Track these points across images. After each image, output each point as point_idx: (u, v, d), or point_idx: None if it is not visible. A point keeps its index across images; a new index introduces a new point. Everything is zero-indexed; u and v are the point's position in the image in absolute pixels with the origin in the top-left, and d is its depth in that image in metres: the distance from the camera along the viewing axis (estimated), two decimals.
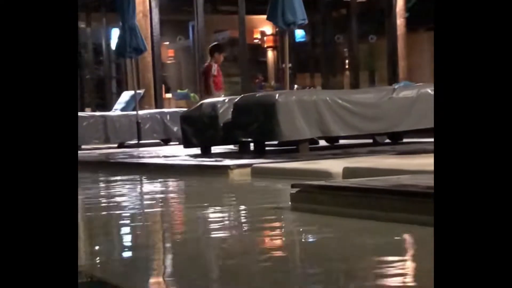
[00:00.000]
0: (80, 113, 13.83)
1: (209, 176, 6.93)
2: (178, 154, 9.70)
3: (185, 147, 9.56)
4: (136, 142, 13.15)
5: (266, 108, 8.22)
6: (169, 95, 17.25)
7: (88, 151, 12.65)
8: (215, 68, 11.12)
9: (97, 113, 13.91)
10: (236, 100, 8.75)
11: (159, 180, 7.06)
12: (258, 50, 21.63)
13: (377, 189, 3.73)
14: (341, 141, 9.98)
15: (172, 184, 7.00)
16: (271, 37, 21.38)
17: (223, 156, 8.57)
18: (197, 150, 9.51)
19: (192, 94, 18.61)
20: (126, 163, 8.73)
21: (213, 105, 9.01)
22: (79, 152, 12.31)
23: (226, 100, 9.08)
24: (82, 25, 19.13)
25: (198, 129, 9.23)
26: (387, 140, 9.40)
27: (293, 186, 4.34)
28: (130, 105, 14.31)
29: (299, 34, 21.79)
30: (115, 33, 18.65)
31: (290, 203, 4.29)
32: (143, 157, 9.54)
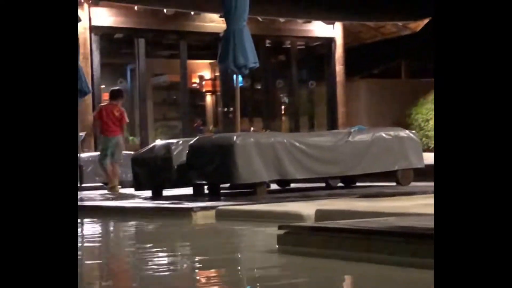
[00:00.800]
0: None
1: (170, 219, 6.70)
2: (128, 196, 9.42)
3: (136, 189, 9.30)
4: (78, 185, 12.74)
5: (224, 150, 8.06)
6: None
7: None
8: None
9: None
10: (191, 141, 8.56)
11: (117, 222, 6.80)
12: (197, 94, 21.48)
13: (378, 231, 3.60)
14: (292, 185, 9.87)
15: (132, 227, 6.74)
16: (209, 82, 21.28)
17: (177, 199, 8.34)
18: (147, 193, 9.25)
19: (131, 138, 18.31)
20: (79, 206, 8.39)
21: (167, 147, 8.80)
22: None
23: (180, 142, 8.88)
24: None
25: (150, 171, 9.00)
26: (340, 184, 9.34)
27: (280, 227, 4.17)
28: None
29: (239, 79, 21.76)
30: None
31: (277, 245, 4.12)
32: (92, 199, 9.21)
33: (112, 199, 9.31)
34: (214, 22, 16.79)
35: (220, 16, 16.48)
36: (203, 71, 21.38)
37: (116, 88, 12.50)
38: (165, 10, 15.54)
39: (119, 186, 11.66)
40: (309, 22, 17.14)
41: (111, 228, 6.90)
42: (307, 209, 5.76)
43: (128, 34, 16.51)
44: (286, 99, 18.83)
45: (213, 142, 8.40)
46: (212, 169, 8.24)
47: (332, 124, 17.68)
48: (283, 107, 19.13)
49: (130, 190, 10.42)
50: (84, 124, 15.47)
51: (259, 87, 19.50)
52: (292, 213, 5.75)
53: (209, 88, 21.42)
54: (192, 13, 16.10)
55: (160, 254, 4.69)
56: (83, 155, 13.04)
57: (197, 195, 8.71)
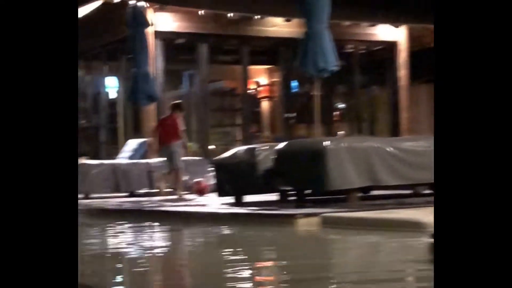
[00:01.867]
0: (89, 161, 13.21)
1: (268, 226, 6.40)
2: (208, 203, 9.16)
3: (219, 195, 9.01)
4: (147, 191, 12.53)
5: (314, 155, 7.73)
6: None
7: (101, 199, 12.02)
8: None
9: (106, 161, 13.28)
10: (279, 146, 8.25)
11: (215, 231, 6.51)
12: (253, 100, 21.19)
13: None
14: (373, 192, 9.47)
15: (232, 234, 6.45)
16: (266, 88, 21.00)
17: (262, 205, 8.06)
18: (223, 200, 8.98)
19: (190, 143, 18.10)
20: (170, 212, 8.16)
21: (252, 152, 8.50)
22: (90, 201, 11.66)
23: (265, 147, 8.58)
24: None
25: (233, 177, 8.70)
26: (428, 191, 8.95)
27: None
28: (137, 153, 13.73)
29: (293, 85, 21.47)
30: (109, 81, 18.14)
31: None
32: (178, 205, 8.97)
33: (184, 204, 9.10)
34: (276, 27, 16.50)
35: (286, 20, 16.23)
36: (259, 77, 21.09)
37: (178, 101, 12.54)
38: (229, 14, 15.29)
39: (183, 192, 11.55)
40: (373, 25, 16.75)
41: (214, 237, 6.60)
42: (424, 216, 5.41)
43: (190, 40, 16.29)
44: (343, 105, 18.44)
45: (303, 146, 8.09)
46: (300, 175, 7.92)
47: (395, 130, 17.27)
48: (343, 112, 18.75)
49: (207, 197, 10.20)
50: (144, 131, 15.28)
51: (318, 93, 19.16)
52: (412, 221, 5.41)
53: (266, 94, 21.15)
54: (256, 17, 15.80)
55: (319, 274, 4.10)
56: (152, 160, 12.83)
57: (283, 202, 8.39)
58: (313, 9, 9.64)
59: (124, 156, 13.84)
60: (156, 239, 6.47)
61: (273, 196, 8.95)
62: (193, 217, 7.62)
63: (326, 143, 7.74)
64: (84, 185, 12.38)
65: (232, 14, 15.29)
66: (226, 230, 6.63)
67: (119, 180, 12.69)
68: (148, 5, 14.33)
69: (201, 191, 12.10)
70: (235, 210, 7.52)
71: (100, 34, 16.54)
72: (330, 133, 17.29)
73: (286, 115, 16.59)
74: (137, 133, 16.89)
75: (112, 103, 18.31)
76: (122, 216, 8.68)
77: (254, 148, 8.61)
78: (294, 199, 8.40)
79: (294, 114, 16.69)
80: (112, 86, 18.09)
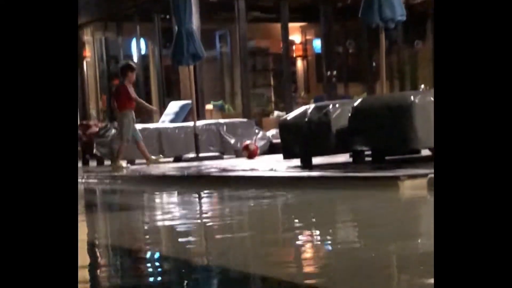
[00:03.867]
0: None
1: (366, 190, 5.67)
2: (272, 166, 8.43)
3: (285, 157, 8.27)
4: (195, 155, 11.82)
5: (399, 111, 6.96)
6: (209, 106, 15.91)
7: (146, 164, 11.34)
8: (132, 89, 11.06)
9: (151, 125, 12.54)
10: (356, 103, 7.49)
11: (317, 197, 5.79)
12: (287, 60, 20.32)
13: None
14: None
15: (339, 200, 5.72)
16: (300, 46, 20.13)
17: (337, 168, 7.33)
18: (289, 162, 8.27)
19: (226, 106, 17.37)
20: (244, 177, 7.44)
21: (324, 110, 7.73)
22: (140, 167, 10.98)
23: (338, 105, 7.81)
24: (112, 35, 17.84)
25: (302, 138, 7.95)
26: None
27: None
28: (179, 116, 13.00)
29: (317, 45, 20.64)
30: (139, 43, 17.36)
31: None
32: (241, 169, 8.25)
33: (244, 169, 8.40)
34: None
35: None
36: (292, 35, 20.19)
37: (124, 63, 11.84)
38: None
39: (118, 164, 10.93)
40: None
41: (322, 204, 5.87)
42: None
43: None
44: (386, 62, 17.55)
45: (384, 103, 7.31)
46: (381, 134, 7.17)
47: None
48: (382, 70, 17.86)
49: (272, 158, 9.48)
50: (184, 92, 14.54)
51: (354, 50, 18.30)
52: None
53: (300, 53, 20.30)
54: None
55: None
56: (198, 123, 12.10)
57: (358, 163, 7.65)
58: None
59: (166, 119, 13.10)
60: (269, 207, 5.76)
61: (341, 157, 8.23)
62: (274, 182, 6.91)
63: (413, 97, 6.97)
64: (128, 151, 11.70)
65: None
66: (325, 196, 5.89)
67: (164, 144, 11.98)
68: None
69: (251, 155, 11.40)
70: (324, 173, 6.76)
71: None
72: (371, 91, 16.49)
73: (328, 72, 15.73)
74: (171, 96, 16.17)
75: (144, 65, 17.56)
76: (191, 183, 8.01)
77: (325, 106, 7.84)
78: (370, 160, 7.67)
79: (335, 73, 15.83)
80: (142, 48, 17.29)
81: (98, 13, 17.18)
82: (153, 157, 11.18)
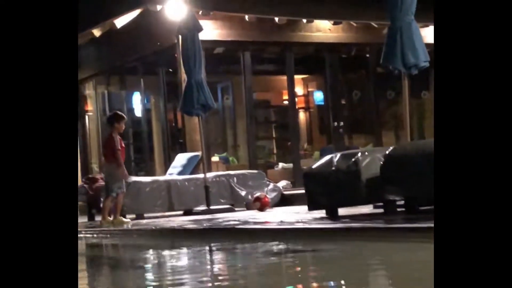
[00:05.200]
0: (141, 178, 12.03)
1: (404, 242, 5.21)
2: (293, 218, 7.95)
3: (310, 209, 7.81)
4: (205, 208, 11.32)
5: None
6: (214, 158, 15.47)
7: (158, 219, 10.82)
8: (117, 140, 10.27)
9: (160, 178, 12.06)
10: (388, 150, 7.07)
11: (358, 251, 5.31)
12: (288, 112, 19.99)
13: None
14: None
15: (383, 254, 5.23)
16: (302, 98, 19.82)
17: (367, 218, 6.88)
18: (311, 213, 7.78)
19: (231, 158, 16.93)
20: (270, 230, 6.94)
21: (353, 159, 7.30)
22: (151, 221, 10.46)
23: (367, 153, 7.40)
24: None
25: (329, 187, 7.51)
26: None
27: None
28: (187, 168, 12.54)
29: (318, 97, 20.36)
30: (141, 97, 16.96)
31: None
32: (263, 221, 7.77)
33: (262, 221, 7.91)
34: (320, 32, 15.35)
35: (334, 23, 15.08)
36: (295, 87, 19.90)
37: (112, 113, 11.22)
38: (276, 19, 14.15)
39: (105, 220, 10.27)
40: (425, 26, 15.59)
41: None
42: None
43: (229, 49, 15.15)
44: (390, 112, 17.25)
45: (419, 149, 6.89)
46: (416, 182, 6.73)
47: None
48: (389, 120, 17.55)
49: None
50: (190, 145, 14.09)
51: (360, 100, 17.99)
52: None
53: (302, 105, 19.97)
54: (305, 21, 14.64)
55: None
56: (208, 175, 11.64)
57: (389, 214, 7.20)
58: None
59: (174, 172, 12.63)
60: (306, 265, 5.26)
61: (365, 209, 7.79)
62: (303, 235, 6.42)
63: None
64: (136, 204, 11.20)
65: (277, 19, 14.14)
66: (360, 248, 5.41)
67: (173, 197, 11.49)
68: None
69: (262, 207, 10.91)
70: (365, 225, 6.28)
71: (135, 46, 15.39)
72: (379, 142, 16.11)
73: (335, 123, 15.36)
74: (177, 148, 15.72)
75: (148, 119, 17.14)
76: (206, 236, 7.51)
77: (353, 154, 7.41)
78: (403, 210, 7.22)
79: (342, 124, 15.48)
80: (143, 102, 16.87)
81: (100, 66, 16.83)
82: (121, 217, 10.41)
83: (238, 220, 8.46)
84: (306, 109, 20.00)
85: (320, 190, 7.59)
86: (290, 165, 15.99)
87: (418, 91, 16.61)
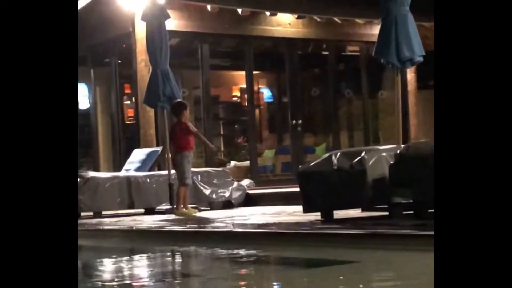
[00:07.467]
0: (100, 174, 11.07)
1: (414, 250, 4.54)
2: (283, 219, 7.22)
3: (305, 211, 7.08)
4: (169, 207, 10.47)
5: None
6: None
7: (118, 217, 9.91)
8: (192, 126, 10.06)
9: (121, 174, 11.12)
10: (400, 149, 6.42)
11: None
12: (238, 109, 19.26)
13: None
14: None
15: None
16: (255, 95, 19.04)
17: (363, 223, 6.21)
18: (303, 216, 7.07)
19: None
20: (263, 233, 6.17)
21: (358, 158, 6.61)
22: (116, 219, 9.56)
23: (372, 152, 6.72)
24: None
25: (327, 188, 6.80)
26: None
27: None
28: (146, 164, 11.64)
29: (267, 94, 19.73)
30: (84, 89, 15.92)
31: None
32: (253, 223, 6.98)
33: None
34: (280, 26, 14.65)
35: (298, 18, 14.42)
36: (243, 84, 19.15)
37: (178, 101, 10.33)
38: (239, 11, 13.38)
39: (184, 211, 9.64)
40: (370, 24, 15.06)
41: None
42: None
43: (185, 40, 14.31)
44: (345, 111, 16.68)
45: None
46: (428, 184, 6.09)
47: (404, 138, 15.63)
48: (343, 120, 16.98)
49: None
50: (144, 139, 13.16)
51: (316, 98, 17.35)
52: None
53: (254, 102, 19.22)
54: (268, 13, 13.93)
55: None
56: (173, 172, 10.76)
57: (396, 217, 6.55)
58: None
59: (131, 167, 11.69)
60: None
61: (359, 211, 7.13)
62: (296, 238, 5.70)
63: None
64: (93, 201, 10.26)
65: (240, 11, 13.39)
66: (368, 257, 4.73)
67: (133, 195, 10.59)
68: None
69: None
70: (374, 231, 5.57)
71: (85, 35, 14.35)
72: (336, 141, 15.53)
73: (293, 121, 14.71)
74: (125, 144, 14.76)
75: (93, 112, 16.06)
76: (186, 239, 6.71)
77: (357, 153, 6.72)
78: (410, 214, 6.58)
79: (300, 122, 14.83)
80: (93, 94, 15.83)
81: None
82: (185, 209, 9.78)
83: (227, 223, 7.65)
84: (256, 106, 19.26)
85: (318, 191, 6.87)
86: (245, 163, 15.27)
87: (375, 91, 16.13)
